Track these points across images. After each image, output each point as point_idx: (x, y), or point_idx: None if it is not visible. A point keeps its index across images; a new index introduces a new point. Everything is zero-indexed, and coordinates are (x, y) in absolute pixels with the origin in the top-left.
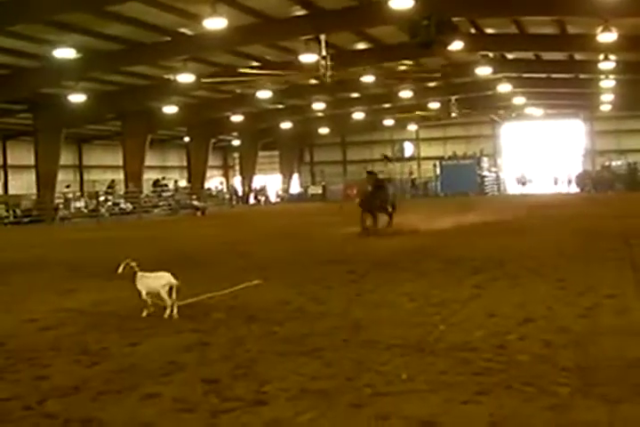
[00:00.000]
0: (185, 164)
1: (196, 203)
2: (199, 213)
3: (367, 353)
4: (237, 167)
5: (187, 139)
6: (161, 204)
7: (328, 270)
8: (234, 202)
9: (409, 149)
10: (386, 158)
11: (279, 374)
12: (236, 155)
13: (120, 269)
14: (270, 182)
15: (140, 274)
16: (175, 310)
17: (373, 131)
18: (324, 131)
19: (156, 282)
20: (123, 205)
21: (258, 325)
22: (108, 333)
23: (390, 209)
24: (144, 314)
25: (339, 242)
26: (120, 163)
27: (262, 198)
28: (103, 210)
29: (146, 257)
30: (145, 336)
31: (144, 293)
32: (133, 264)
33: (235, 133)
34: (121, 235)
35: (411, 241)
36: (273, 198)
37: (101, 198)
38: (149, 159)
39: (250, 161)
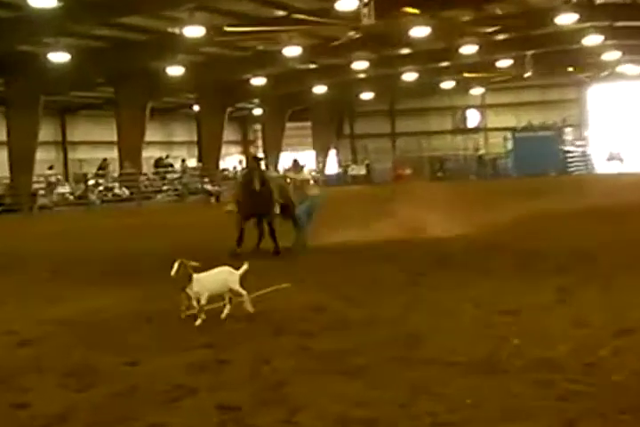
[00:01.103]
0: (194, 138)
1: (208, 187)
2: (213, 200)
3: (424, 372)
4: (260, 142)
5: (196, 107)
6: (165, 188)
7: (375, 269)
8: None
9: (473, 118)
10: None
11: (314, 399)
12: (257, 127)
13: (174, 272)
14: (302, 161)
15: (195, 276)
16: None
17: (429, 96)
18: (367, 96)
19: (228, 278)
20: (117, 191)
21: (287, 337)
22: (101, 349)
23: (277, 210)
24: (198, 323)
25: (388, 234)
26: (113, 138)
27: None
28: (93, 197)
29: (140, 255)
30: (147, 353)
31: (205, 296)
32: (193, 264)
33: (256, 100)
34: (114, 225)
35: (478, 233)
36: None
37: (91, 182)
38: (150, 133)
39: (275, 135)
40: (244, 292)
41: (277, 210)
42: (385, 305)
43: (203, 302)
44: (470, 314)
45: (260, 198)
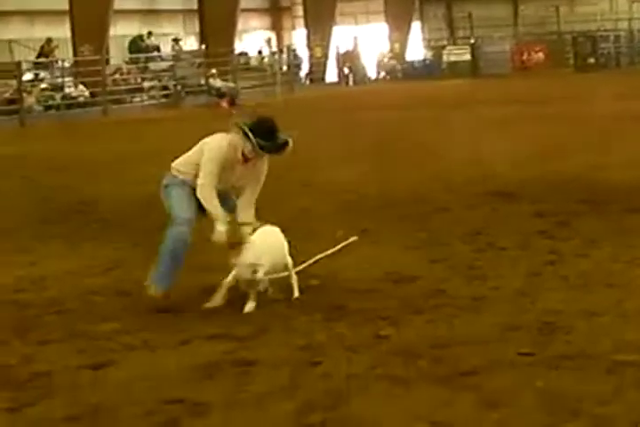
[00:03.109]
0: (193, 6)
1: (217, 83)
2: (224, 104)
3: (564, 380)
4: (299, 10)
5: None
6: (147, 86)
7: (490, 212)
8: (296, 80)
9: None
10: None
11: (388, 419)
12: None
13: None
14: (367, 41)
15: (252, 239)
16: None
17: None
18: None
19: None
20: (70, 90)
21: (348, 323)
22: (47, 342)
23: None
24: (248, 309)
25: (506, 157)
26: (63, 6)
27: (349, 72)
28: (32, 100)
29: (104, 201)
30: (123, 349)
31: (264, 271)
32: None
33: None
34: (66, 151)
35: None
36: (372, 72)
37: (27, 77)
38: None
39: None
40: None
41: None
42: (505, 271)
43: (260, 274)
44: None
45: None
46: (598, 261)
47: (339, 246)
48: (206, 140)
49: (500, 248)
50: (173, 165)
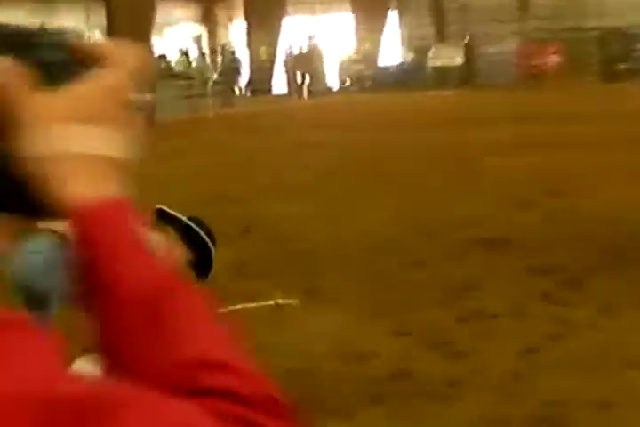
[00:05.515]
0: None
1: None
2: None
3: None
4: None
5: None
6: None
7: (476, 267)
8: (236, 91)
9: None
10: None
11: None
12: None
13: None
14: (327, 38)
15: None
16: None
17: None
18: None
19: None
20: None
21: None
22: None
23: None
24: None
25: (501, 193)
26: None
27: (303, 80)
28: None
29: None
30: None
31: None
32: None
33: None
34: None
35: None
36: (333, 81)
37: None
38: None
39: None
40: None
41: None
42: (491, 347)
43: None
44: None
45: None
46: (615, 333)
47: (268, 303)
48: None
49: (487, 316)
50: None
